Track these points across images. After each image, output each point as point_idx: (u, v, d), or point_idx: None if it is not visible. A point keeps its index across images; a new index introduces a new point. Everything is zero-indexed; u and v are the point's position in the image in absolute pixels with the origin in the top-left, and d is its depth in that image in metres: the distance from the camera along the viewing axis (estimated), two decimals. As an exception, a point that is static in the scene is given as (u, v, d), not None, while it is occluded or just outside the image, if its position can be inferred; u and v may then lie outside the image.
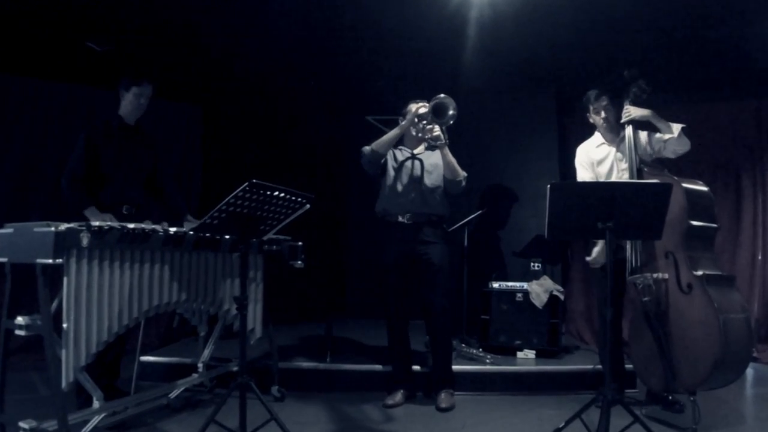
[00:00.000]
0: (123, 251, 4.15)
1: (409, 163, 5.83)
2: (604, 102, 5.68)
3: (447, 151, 5.66)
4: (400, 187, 5.77)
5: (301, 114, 9.47)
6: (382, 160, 5.83)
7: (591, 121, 5.83)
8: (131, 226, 4.15)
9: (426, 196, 5.73)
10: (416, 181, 5.76)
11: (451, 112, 5.42)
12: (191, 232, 4.46)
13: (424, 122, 5.68)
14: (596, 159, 5.77)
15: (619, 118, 5.53)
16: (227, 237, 4.92)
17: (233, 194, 4.02)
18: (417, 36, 7.16)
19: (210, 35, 7.31)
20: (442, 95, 5.44)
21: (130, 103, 5.49)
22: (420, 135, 5.80)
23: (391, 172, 5.84)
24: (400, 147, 5.96)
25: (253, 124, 9.32)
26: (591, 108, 5.76)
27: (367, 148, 5.76)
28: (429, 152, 5.89)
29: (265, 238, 5.08)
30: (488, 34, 6.99)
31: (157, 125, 7.75)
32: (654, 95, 5.51)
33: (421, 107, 5.69)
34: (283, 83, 8.87)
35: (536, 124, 9.02)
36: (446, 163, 5.70)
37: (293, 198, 4.43)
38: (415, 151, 5.91)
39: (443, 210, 5.83)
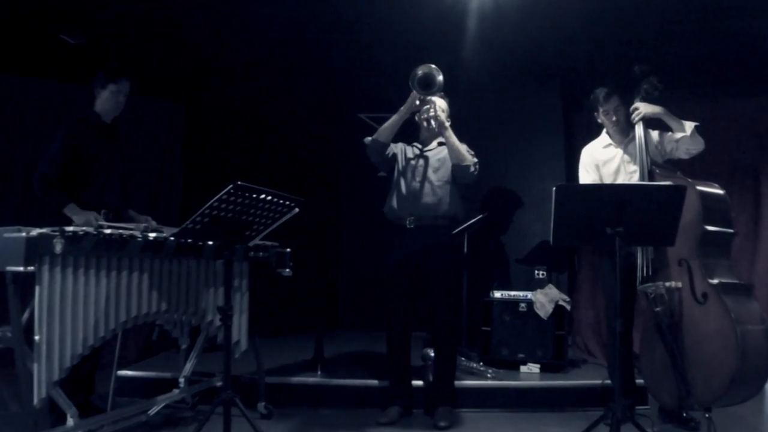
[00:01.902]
0: (99, 258, 4.14)
1: (414, 161, 5.85)
2: (614, 103, 5.66)
3: (450, 133, 5.64)
4: (404, 188, 5.77)
5: (290, 112, 9.46)
6: (389, 153, 5.83)
7: (599, 120, 5.83)
8: (108, 231, 4.15)
9: (432, 196, 5.71)
10: (421, 180, 5.75)
11: (439, 79, 5.43)
12: (172, 238, 4.47)
13: (427, 107, 5.68)
14: (602, 160, 5.77)
15: (629, 117, 5.54)
16: (210, 243, 4.92)
17: (217, 197, 4.03)
18: (413, 28, 7.17)
19: (192, 27, 7.32)
20: (422, 66, 5.47)
21: (106, 100, 5.48)
22: (426, 125, 5.78)
23: (398, 171, 5.86)
24: (413, 144, 5.97)
25: (238, 123, 9.30)
26: (600, 109, 5.74)
27: (368, 139, 5.79)
28: (440, 148, 5.86)
29: (250, 244, 5.10)
30: (490, 26, 7.00)
31: (135, 124, 7.75)
32: (666, 91, 5.52)
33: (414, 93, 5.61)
34: (271, 79, 8.87)
35: (541, 122, 9.03)
36: (450, 146, 5.66)
37: (281, 201, 4.44)
38: (427, 148, 5.91)
39: (453, 210, 5.79)
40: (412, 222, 5.68)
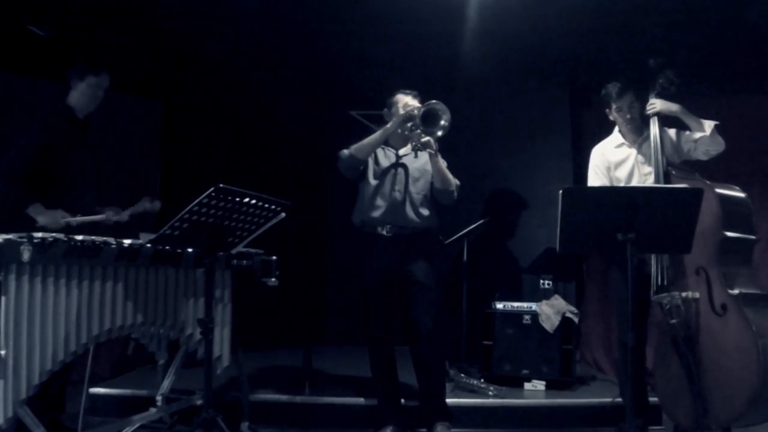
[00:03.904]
0: (70, 266, 4.12)
1: (392, 169, 5.84)
2: (628, 99, 5.64)
3: (438, 158, 5.62)
4: (379, 196, 5.77)
5: (276, 109, 9.46)
6: (362, 166, 5.83)
7: (611, 118, 5.81)
8: (79, 237, 4.13)
9: (410, 206, 5.73)
10: (399, 189, 5.76)
11: (442, 123, 5.41)
12: (149, 245, 4.45)
13: (411, 124, 5.63)
14: (614, 161, 5.75)
15: (644, 114, 5.53)
16: (190, 250, 4.90)
17: (197, 201, 4.03)
18: (409, 18, 7.15)
19: (171, 17, 7.29)
20: (434, 102, 5.44)
21: (83, 94, 5.46)
22: (407, 133, 5.74)
23: (372, 178, 5.84)
24: (385, 147, 5.94)
25: (220, 121, 9.29)
26: (613, 105, 5.71)
27: (345, 152, 5.75)
28: (418, 155, 5.86)
29: (233, 251, 5.08)
30: (491, 16, 6.99)
31: (109, 121, 7.73)
32: (681, 86, 5.52)
33: (410, 108, 5.62)
34: (256, 74, 8.85)
35: (546, 119, 9.04)
36: (436, 171, 5.67)
37: (266, 205, 4.44)
38: (401, 152, 5.91)
39: (431, 222, 5.83)
40: (389, 230, 5.71)
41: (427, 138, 5.49)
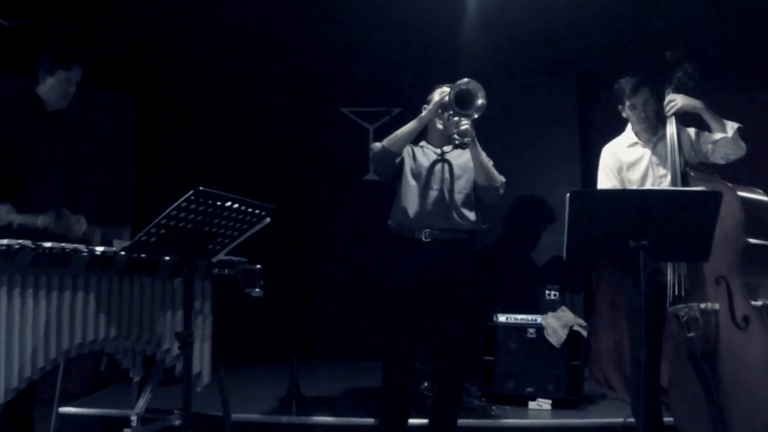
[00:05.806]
0: (38, 276, 4.11)
1: (435, 167, 5.77)
2: (643, 96, 5.60)
3: (479, 150, 5.56)
4: (419, 196, 5.67)
5: (261, 105, 9.42)
6: (397, 160, 5.76)
7: (624, 116, 5.78)
8: (48, 244, 4.11)
9: (453, 207, 5.64)
10: (441, 189, 5.67)
11: (479, 102, 5.39)
12: (123, 253, 4.43)
13: (450, 113, 5.57)
14: (627, 162, 5.72)
15: (661, 112, 5.51)
16: (167, 258, 4.88)
17: (175, 205, 4.00)
18: (405, 9, 7.16)
19: (146, 7, 7.28)
20: (465, 80, 5.40)
21: (52, 89, 5.35)
22: (444, 128, 5.68)
23: (410, 177, 5.75)
24: (421, 144, 5.89)
25: (200, 118, 9.28)
26: (627, 102, 5.66)
27: (377, 145, 5.69)
28: (458, 151, 5.79)
29: (214, 259, 5.06)
30: (493, 6, 6.99)
31: (80, 119, 7.70)
32: (701, 82, 5.50)
33: (445, 94, 5.55)
34: (238, 67, 8.85)
35: (553, 116, 9.05)
36: (479, 166, 5.59)
37: (250, 210, 4.42)
38: (445, 151, 5.83)
39: (476, 225, 5.72)
40: (428, 235, 5.60)
41: (465, 126, 5.44)
